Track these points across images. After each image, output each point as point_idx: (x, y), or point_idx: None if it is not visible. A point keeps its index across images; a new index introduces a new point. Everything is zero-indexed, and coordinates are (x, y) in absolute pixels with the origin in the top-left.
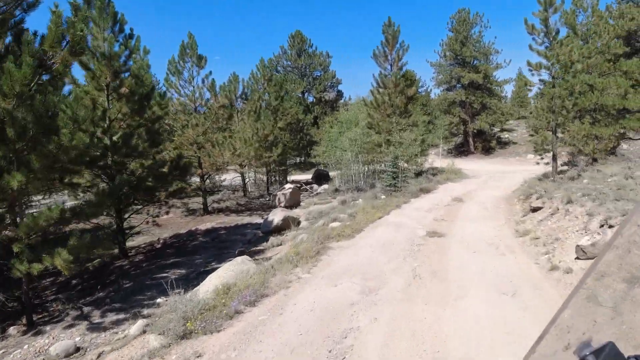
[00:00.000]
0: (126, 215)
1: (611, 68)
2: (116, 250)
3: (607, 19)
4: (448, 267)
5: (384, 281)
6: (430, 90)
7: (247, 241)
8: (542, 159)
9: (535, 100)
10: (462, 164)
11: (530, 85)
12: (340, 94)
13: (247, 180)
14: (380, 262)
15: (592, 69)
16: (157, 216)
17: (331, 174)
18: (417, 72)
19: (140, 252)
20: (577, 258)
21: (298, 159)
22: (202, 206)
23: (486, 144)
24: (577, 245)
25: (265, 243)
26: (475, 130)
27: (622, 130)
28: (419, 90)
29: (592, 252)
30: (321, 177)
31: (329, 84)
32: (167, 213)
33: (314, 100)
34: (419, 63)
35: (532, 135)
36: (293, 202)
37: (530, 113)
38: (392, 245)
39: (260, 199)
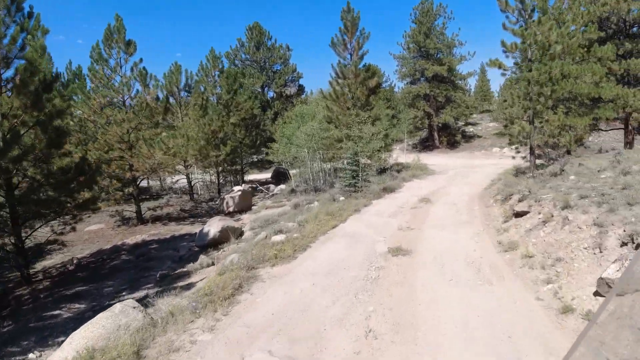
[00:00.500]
0: (37, 231)
1: (585, 55)
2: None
3: (579, 5)
4: (416, 311)
5: (319, 347)
6: (394, 85)
7: (179, 258)
8: (517, 152)
9: (506, 89)
10: (428, 158)
11: (504, 70)
12: (301, 89)
13: (194, 182)
14: (321, 305)
15: (569, 54)
16: (62, 233)
17: (292, 172)
18: (380, 67)
19: (48, 276)
20: (598, 294)
21: (255, 157)
22: (136, 215)
23: (451, 137)
24: (601, 279)
25: (192, 264)
26: (440, 124)
27: (593, 121)
28: (383, 84)
29: None
30: (280, 177)
31: (290, 78)
32: (72, 227)
33: (274, 95)
34: (382, 57)
35: (506, 127)
36: (243, 206)
37: (504, 101)
38: (342, 272)
39: (210, 203)
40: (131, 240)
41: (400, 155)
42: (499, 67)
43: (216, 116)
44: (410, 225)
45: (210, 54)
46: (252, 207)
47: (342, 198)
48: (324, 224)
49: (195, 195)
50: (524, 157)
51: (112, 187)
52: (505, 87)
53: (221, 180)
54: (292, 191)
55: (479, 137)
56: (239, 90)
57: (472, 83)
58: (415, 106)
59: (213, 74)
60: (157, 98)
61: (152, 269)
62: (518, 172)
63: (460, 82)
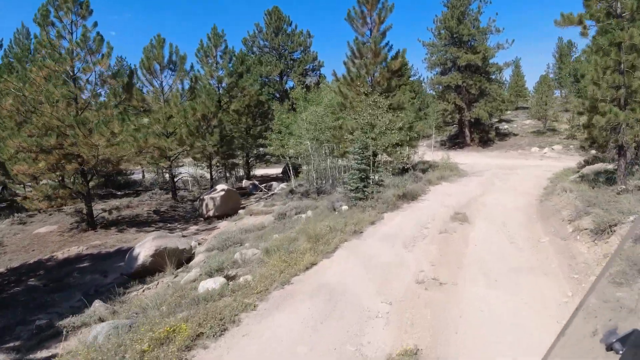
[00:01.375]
0: None
1: None
2: None
3: None
4: None
5: None
6: (421, 77)
7: (102, 286)
8: (602, 152)
9: (587, 57)
10: (458, 157)
11: (584, 29)
12: (322, 79)
13: (179, 177)
14: None
15: None
16: None
17: (304, 168)
18: (407, 59)
19: None
20: None
21: (262, 150)
22: (95, 215)
23: (484, 135)
24: None
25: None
26: (472, 119)
27: None
28: (410, 77)
29: None
30: (289, 173)
31: (310, 66)
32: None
33: (294, 85)
34: (409, 50)
35: (581, 113)
36: (226, 210)
37: (577, 80)
38: None
39: (196, 203)
40: (63, 253)
41: (427, 152)
42: (579, 24)
43: (210, 100)
44: (437, 274)
45: (213, 31)
46: (239, 211)
47: (344, 207)
48: (295, 260)
49: (186, 192)
50: (586, 160)
51: (45, 181)
52: (589, 50)
53: (216, 176)
54: (291, 192)
55: (515, 135)
56: (245, 74)
57: (507, 75)
58: (445, 98)
59: (214, 54)
60: (115, 74)
61: (49, 307)
62: (585, 179)
63: (495, 73)
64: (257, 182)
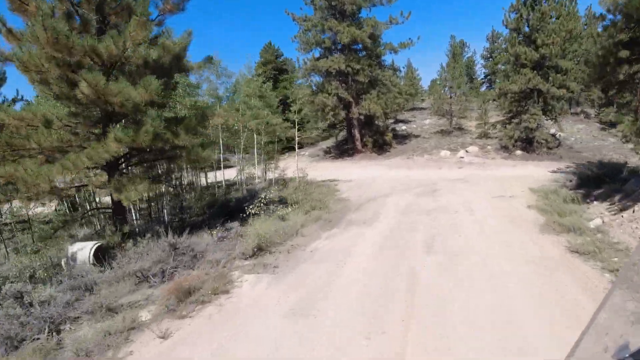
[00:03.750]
0: None
1: None
2: None
3: None
4: None
5: None
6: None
7: None
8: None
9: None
10: (345, 169)
11: None
12: None
13: None
14: None
15: None
16: None
17: None
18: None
19: None
20: None
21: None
22: None
23: (379, 137)
24: None
25: None
26: (361, 118)
27: None
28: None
29: None
30: None
31: None
32: None
33: None
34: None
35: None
36: None
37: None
38: None
39: None
40: None
41: (307, 165)
42: None
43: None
44: None
45: None
46: None
47: None
48: None
49: None
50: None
51: None
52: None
53: None
54: None
55: (416, 136)
56: None
57: (402, 62)
58: (325, 90)
59: None
60: None
61: None
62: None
63: (388, 56)
64: None
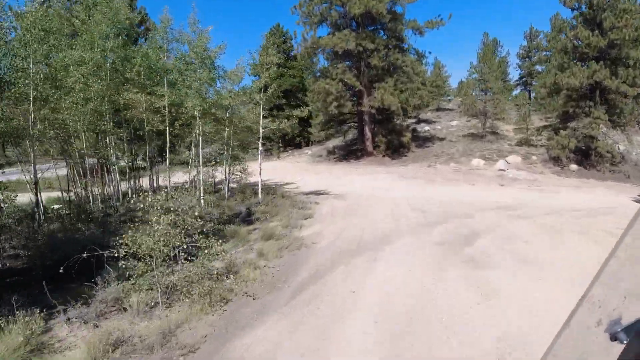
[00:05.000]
0: None
1: None
2: None
3: None
4: None
5: None
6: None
7: None
8: None
9: None
10: (347, 176)
11: None
12: None
13: None
14: None
15: None
16: None
17: None
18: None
19: None
20: None
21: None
22: None
23: (394, 138)
24: None
25: None
26: (373, 111)
27: None
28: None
29: None
30: None
31: None
32: None
33: None
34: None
35: None
36: None
37: None
38: None
39: None
40: None
41: (304, 167)
42: None
43: None
44: None
45: None
46: None
47: None
48: None
49: None
50: None
51: None
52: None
53: None
54: None
55: (440, 139)
56: None
57: (431, 47)
58: (330, 75)
59: None
60: None
61: None
62: None
63: (413, 38)
64: None
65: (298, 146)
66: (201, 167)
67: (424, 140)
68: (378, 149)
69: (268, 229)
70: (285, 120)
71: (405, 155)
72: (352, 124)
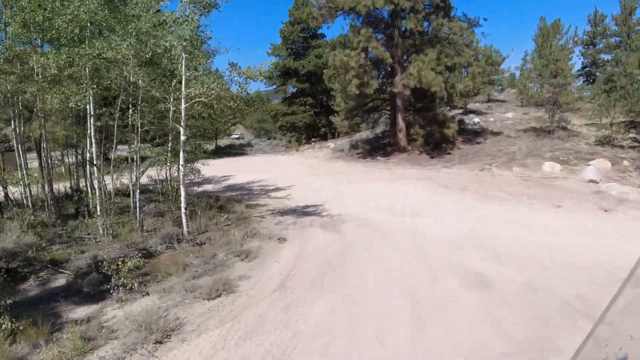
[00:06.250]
0: None
1: None
2: None
3: None
4: None
5: None
6: None
7: None
8: None
9: None
10: (365, 183)
11: None
12: None
13: None
14: None
15: None
16: None
17: None
18: None
19: None
20: None
21: None
22: None
23: (436, 130)
24: None
25: None
26: (408, 92)
27: None
28: None
29: None
30: None
31: None
32: None
33: None
34: None
35: None
36: None
37: None
38: None
39: None
40: None
41: (315, 164)
42: None
43: None
44: None
45: None
46: None
47: None
48: None
49: None
50: None
51: None
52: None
53: None
54: None
55: (495, 134)
56: None
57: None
58: (350, 44)
59: None
60: None
61: None
62: None
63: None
64: None
65: (324, 137)
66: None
67: (473, 135)
68: (414, 144)
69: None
70: (215, 85)
71: (449, 153)
72: (384, 112)
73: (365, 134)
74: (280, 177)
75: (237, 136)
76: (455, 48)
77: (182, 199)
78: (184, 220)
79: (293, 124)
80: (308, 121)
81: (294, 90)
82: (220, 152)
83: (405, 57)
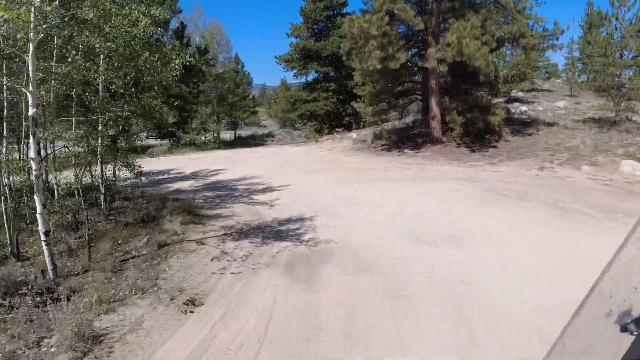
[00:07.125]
0: None
1: None
2: None
3: None
4: None
5: None
6: None
7: None
8: None
9: None
10: (382, 189)
11: None
12: None
13: None
14: None
15: None
16: None
17: None
18: None
19: None
20: None
21: None
22: None
23: (478, 118)
24: None
25: None
26: (444, 69)
27: None
28: None
29: None
30: None
31: None
32: None
33: None
34: None
35: None
36: None
37: None
38: None
39: None
40: None
41: (330, 157)
42: None
43: None
44: None
45: None
46: None
47: None
48: None
49: None
50: None
51: None
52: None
53: None
54: None
55: (549, 125)
56: None
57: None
58: (373, 9)
59: None
60: None
61: None
62: None
63: None
64: None
65: (348, 127)
66: None
67: (521, 125)
68: (450, 134)
69: None
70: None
71: (494, 147)
72: (416, 97)
73: (394, 123)
74: (279, 173)
75: (264, 126)
76: (507, 11)
77: (39, 217)
78: (45, 255)
79: (314, 112)
80: (330, 109)
81: (316, 75)
82: (240, 143)
83: (440, 26)
